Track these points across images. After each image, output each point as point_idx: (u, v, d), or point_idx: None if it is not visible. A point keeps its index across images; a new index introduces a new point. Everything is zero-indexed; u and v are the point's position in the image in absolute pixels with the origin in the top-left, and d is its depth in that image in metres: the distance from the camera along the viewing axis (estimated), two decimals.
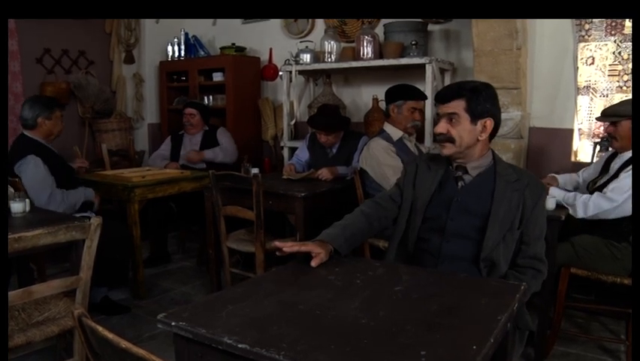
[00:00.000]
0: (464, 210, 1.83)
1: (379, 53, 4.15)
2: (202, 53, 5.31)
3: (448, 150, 1.84)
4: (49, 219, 2.31)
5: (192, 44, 5.33)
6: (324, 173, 3.40)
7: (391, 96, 3.15)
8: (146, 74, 5.53)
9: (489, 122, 1.83)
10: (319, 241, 1.66)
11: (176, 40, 5.33)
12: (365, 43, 4.14)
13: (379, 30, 4.33)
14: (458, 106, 1.81)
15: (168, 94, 5.42)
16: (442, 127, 1.83)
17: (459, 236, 1.81)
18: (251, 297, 1.34)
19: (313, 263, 1.55)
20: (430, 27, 4.15)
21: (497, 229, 1.77)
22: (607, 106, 3.61)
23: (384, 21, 4.37)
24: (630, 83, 3.61)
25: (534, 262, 1.81)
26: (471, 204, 1.83)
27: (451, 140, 1.82)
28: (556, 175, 2.98)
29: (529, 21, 3.60)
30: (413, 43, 3.92)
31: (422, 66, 3.81)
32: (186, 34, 5.33)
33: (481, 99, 1.81)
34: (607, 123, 2.74)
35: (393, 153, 3.00)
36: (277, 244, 1.62)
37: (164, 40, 5.43)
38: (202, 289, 3.60)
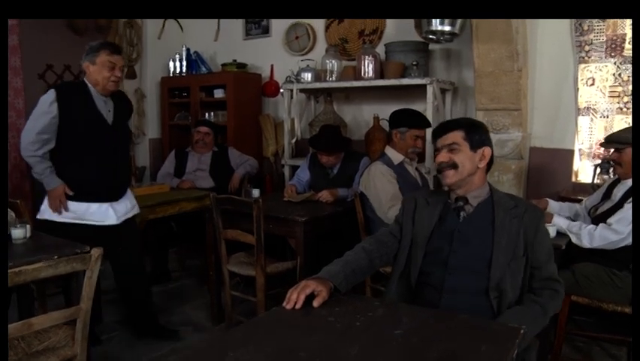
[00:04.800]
0: (466, 241, 1.83)
1: (380, 73, 4.16)
2: (203, 69, 5.33)
3: (450, 178, 1.85)
4: (50, 246, 2.31)
5: (194, 60, 5.35)
6: (324, 195, 3.40)
7: (395, 121, 3.15)
8: (147, 89, 5.54)
9: (487, 151, 1.88)
10: (319, 278, 1.66)
11: (177, 55, 5.35)
12: (366, 63, 4.16)
13: (380, 49, 4.35)
14: (457, 136, 1.85)
15: (170, 110, 5.44)
16: (444, 156, 1.85)
17: (462, 269, 1.80)
18: (251, 342, 1.33)
19: (315, 303, 1.54)
20: (431, 46, 4.17)
21: (502, 258, 1.77)
22: (610, 132, 3.64)
23: (385, 40, 4.40)
24: (630, 105, 3.62)
25: (549, 283, 1.82)
26: (473, 236, 1.83)
27: (455, 166, 1.83)
28: (548, 200, 2.96)
29: (529, 42, 3.62)
30: (414, 63, 3.94)
31: (423, 86, 3.83)
32: (188, 50, 5.36)
33: (477, 130, 1.88)
34: (611, 149, 2.73)
35: (393, 178, 3.00)
36: (287, 306, 1.56)
37: (166, 55, 5.45)
38: (203, 309, 3.59)
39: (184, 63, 5.33)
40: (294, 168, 4.60)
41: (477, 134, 1.87)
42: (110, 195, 2.89)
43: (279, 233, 3.06)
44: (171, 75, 5.41)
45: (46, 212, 2.82)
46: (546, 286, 1.81)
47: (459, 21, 3.51)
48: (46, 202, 2.81)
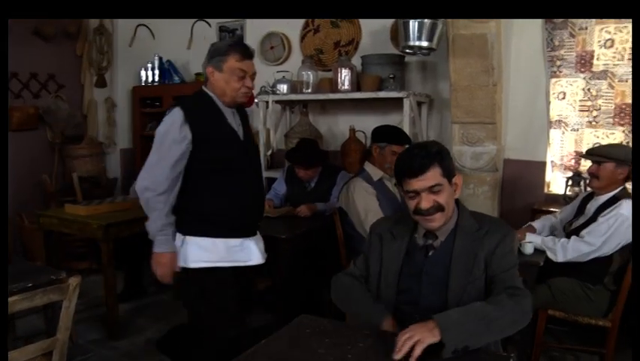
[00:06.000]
0: (435, 282, 1.71)
1: (357, 85, 4.17)
2: (176, 78, 5.25)
3: (438, 221, 1.69)
4: (26, 273, 2.23)
5: (166, 69, 5.28)
6: (302, 210, 3.39)
7: (376, 137, 3.17)
8: (118, 98, 5.43)
9: (459, 179, 1.75)
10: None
11: (149, 64, 5.27)
12: (342, 75, 4.16)
13: (356, 60, 4.36)
14: (437, 174, 1.66)
15: (142, 119, 5.35)
16: (428, 200, 1.65)
17: (434, 310, 1.58)
18: None
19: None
20: (407, 59, 4.19)
21: (456, 283, 1.67)
22: (580, 145, 3.75)
23: (361, 52, 4.41)
24: (599, 119, 3.72)
25: (509, 290, 1.61)
26: (442, 275, 1.70)
27: (442, 208, 1.67)
28: (532, 224, 3.01)
29: (504, 57, 3.67)
30: (391, 76, 3.95)
31: (400, 99, 3.85)
32: (160, 59, 5.27)
33: (448, 159, 1.72)
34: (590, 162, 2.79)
35: (373, 194, 3.01)
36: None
37: (138, 64, 5.35)
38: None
39: (156, 72, 5.25)
40: (269, 180, 4.56)
41: (448, 161, 1.71)
42: (250, 228, 2.40)
43: None
44: (143, 84, 5.31)
45: (186, 259, 2.27)
46: (504, 292, 1.61)
47: (436, 36, 3.55)
48: (184, 249, 2.26)
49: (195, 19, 5.20)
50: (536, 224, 2.98)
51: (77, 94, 5.32)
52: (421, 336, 1.42)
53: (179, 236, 2.27)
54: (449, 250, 1.72)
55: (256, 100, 4.77)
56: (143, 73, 5.30)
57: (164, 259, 2.23)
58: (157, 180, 2.17)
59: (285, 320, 2.87)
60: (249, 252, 2.36)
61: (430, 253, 1.74)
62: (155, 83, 5.26)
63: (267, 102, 4.52)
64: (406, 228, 1.81)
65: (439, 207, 1.66)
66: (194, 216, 2.25)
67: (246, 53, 2.27)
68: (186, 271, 2.27)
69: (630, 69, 3.57)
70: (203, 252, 2.23)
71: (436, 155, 1.67)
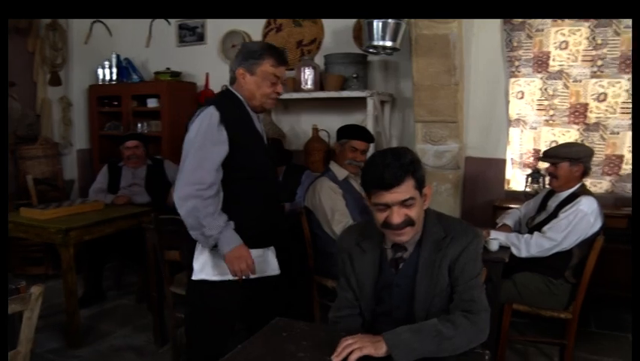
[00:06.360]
0: (405, 294, 1.67)
1: (320, 84, 4.16)
2: (135, 77, 5.12)
3: (407, 235, 1.60)
4: None
5: (124, 67, 5.14)
6: None
7: (338, 135, 3.19)
8: (74, 97, 5.24)
9: (429, 189, 1.65)
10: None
11: (107, 62, 5.11)
12: (306, 74, 4.15)
13: (319, 60, 4.35)
14: (409, 187, 1.55)
15: (99, 119, 5.18)
16: (399, 214, 1.55)
17: (404, 322, 1.55)
18: None
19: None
20: (370, 58, 4.21)
21: (422, 296, 1.63)
22: (539, 143, 3.85)
23: (323, 51, 4.41)
24: (555, 117, 3.84)
25: (466, 304, 1.58)
26: (410, 287, 1.66)
27: (413, 223, 1.58)
28: (506, 222, 3.08)
29: (465, 58, 3.74)
30: (354, 76, 3.97)
31: (363, 98, 3.86)
32: (118, 57, 5.13)
33: (421, 169, 1.60)
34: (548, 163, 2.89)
35: (339, 194, 3.01)
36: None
37: (94, 62, 5.19)
38: (145, 330, 3.42)
39: (114, 70, 5.10)
40: None
41: (421, 172, 1.59)
42: (273, 237, 2.31)
43: None
44: (100, 83, 5.15)
45: (203, 271, 2.19)
46: (462, 307, 1.58)
47: (400, 36, 3.58)
48: (201, 260, 2.19)
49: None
50: (509, 221, 3.07)
51: (30, 92, 5.10)
52: (361, 345, 1.41)
53: (198, 247, 2.19)
54: (416, 261, 1.66)
55: None
56: (100, 71, 5.14)
57: (237, 253, 2.09)
58: (203, 184, 2.04)
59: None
60: (267, 263, 2.28)
61: (401, 266, 1.69)
62: (113, 82, 5.11)
63: None
64: (374, 240, 1.72)
65: (409, 222, 1.57)
66: None
67: (281, 59, 2.22)
68: (201, 282, 2.19)
69: (584, 71, 3.71)
70: (222, 263, 2.12)
71: (409, 166, 1.54)
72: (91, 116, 5.24)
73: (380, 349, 1.42)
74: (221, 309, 2.22)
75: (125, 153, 4.12)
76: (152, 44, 5.31)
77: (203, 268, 2.19)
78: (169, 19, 5.13)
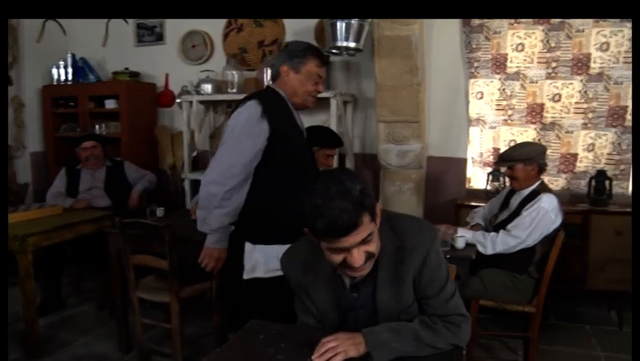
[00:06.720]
0: (370, 315, 1.57)
1: None
2: (92, 77, 4.98)
3: (367, 269, 1.46)
4: None
5: (80, 67, 4.99)
6: None
7: (309, 140, 3.17)
8: (26, 98, 5.04)
9: (378, 208, 1.45)
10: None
11: (62, 62, 4.95)
12: (269, 75, 4.12)
13: None
14: (366, 223, 1.35)
15: (54, 120, 5.02)
16: (360, 255, 1.39)
17: None
18: None
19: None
20: (332, 59, 4.23)
21: (385, 314, 1.54)
22: (498, 142, 3.96)
23: None
24: (514, 117, 3.95)
25: (445, 319, 1.51)
26: (373, 307, 1.56)
27: (373, 256, 1.45)
28: (479, 223, 3.16)
29: (426, 58, 3.80)
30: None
31: (326, 98, 3.88)
32: (73, 56, 4.98)
33: (370, 195, 1.38)
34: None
35: None
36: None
37: (48, 61, 5.01)
38: (108, 338, 3.33)
39: (69, 70, 4.94)
40: (195, 183, 4.45)
41: (371, 199, 1.37)
42: None
43: (193, 256, 2.93)
44: (55, 83, 4.99)
45: (257, 270, 2.23)
46: (445, 321, 1.50)
47: (363, 37, 3.62)
48: (252, 259, 2.23)
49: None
50: (480, 219, 3.16)
51: None
52: (345, 348, 1.40)
53: (249, 247, 2.25)
54: (375, 279, 1.53)
55: (179, 100, 4.67)
56: (54, 71, 4.97)
57: (217, 253, 2.29)
58: (227, 174, 2.13)
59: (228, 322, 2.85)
60: None
61: (361, 290, 1.57)
62: (69, 82, 4.95)
63: (191, 102, 4.43)
64: (323, 265, 1.52)
65: (370, 257, 1.43)
66: (267, 221, 2.19)
67: (325, 60, 2.36)
68: (254, 280, 2.26)
69: (539, 72, 3.84)
70: (273, 260, 2.11)
71: (361, 200, 1.33)
72: (45, 118, 5.07)
73: (362, 350, 1.42)
74: (274, 303, 2.20)
75: (82, 154, 4.00)
76: (109, 44, 5.18)
77: (255, 267, 2.25)
78: (126, 19, 5.01)
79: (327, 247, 1.39)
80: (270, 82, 2.38)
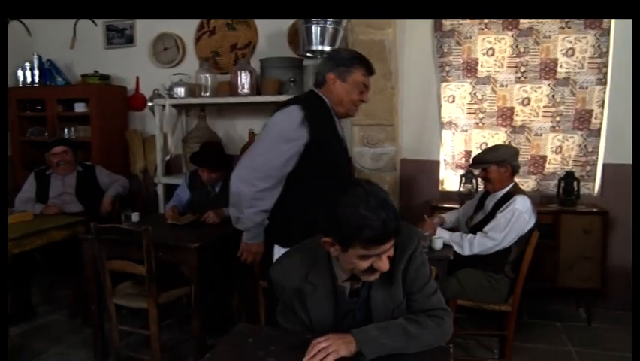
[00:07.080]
0: (366, 313, 1.62)
1: (256, 88, 4.15)
2: (60, 79, 4.88)
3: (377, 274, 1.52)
4: None
5: (47, 69, 4.88)
6: (210, 216, 3.31)
7: None
8: None
9: None
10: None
11: (27, 64, 4.83)
12: (242, 78, 4.12)
13: (254, 63, 4.33)
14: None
15: (20, 124, 4.89)
16: (386, 260, 1.47)
17: None
18: None
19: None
20: (305, 62, 4.25)
21: (379, 315, 1.59)
22: (470, 144, 4.04)
23: (259, 55, 4.40)
24: (485, 120, 4.04)
25: (429, 313, 1.58)
26: (369, 306, 1.62)
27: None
28: (443, 216, 3.25)
29: (399, 63, 3.86)
30: (292, 80, 3.99)
31: None
32: (40, 58, 4.86)
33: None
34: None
35: None
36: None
37: (13, 63, 4.87)
38: (81, 347, 3.25)
39: (36, 72, 4.82)
40: (168, 187, 4.41)
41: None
42: None
43: (170, 260, 2.91)
44: (21, 86, 4.86)
45: None
46: (429, 315, 1.57)
47: (338, 41, 3.64)
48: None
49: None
50: (448, 216, 3.26)
51: None
52: (336, 348, 1.42)
53: (278, 250, 2.24)
54: (369, 282, 1.57)
55: (150, 103, 4.60)
56: (20, 73, 4.84)
57: (255, 248, 2.33)
58: (259, 174, 2.14)
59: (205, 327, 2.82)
60: None
61: (361, 294, 1.62)
62: (36, 85, 4.83)
63: (164, 106, 4.38)
64: (323, 274, 1.61)
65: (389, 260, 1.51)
66: (298, 225, 2.05)
67: (371, 70, 2.33)
68: None
69: (509, 77, 3.93)
70: None
71: (395, 208, 1.44)
72: (11, 122, 4.93)
73: (353, 349, 1.44)
74: None
75: (52, 160, 3.91)
76: (77, 46, 5.07)
77: None
78: (94, 20, 4.92)
79: (358, 255, 1.43)
80: (315, 88, 2.36)
